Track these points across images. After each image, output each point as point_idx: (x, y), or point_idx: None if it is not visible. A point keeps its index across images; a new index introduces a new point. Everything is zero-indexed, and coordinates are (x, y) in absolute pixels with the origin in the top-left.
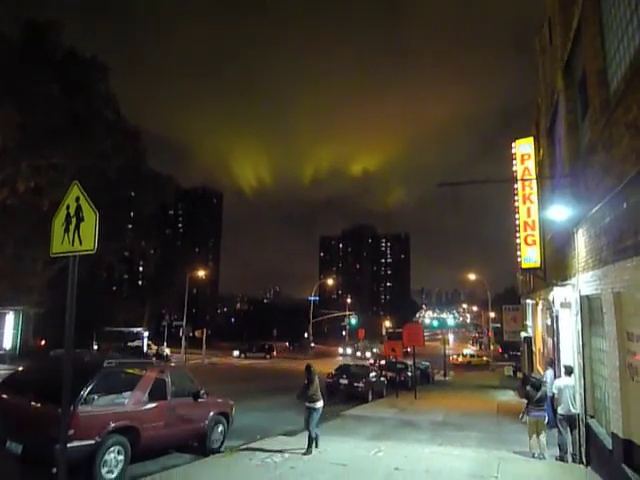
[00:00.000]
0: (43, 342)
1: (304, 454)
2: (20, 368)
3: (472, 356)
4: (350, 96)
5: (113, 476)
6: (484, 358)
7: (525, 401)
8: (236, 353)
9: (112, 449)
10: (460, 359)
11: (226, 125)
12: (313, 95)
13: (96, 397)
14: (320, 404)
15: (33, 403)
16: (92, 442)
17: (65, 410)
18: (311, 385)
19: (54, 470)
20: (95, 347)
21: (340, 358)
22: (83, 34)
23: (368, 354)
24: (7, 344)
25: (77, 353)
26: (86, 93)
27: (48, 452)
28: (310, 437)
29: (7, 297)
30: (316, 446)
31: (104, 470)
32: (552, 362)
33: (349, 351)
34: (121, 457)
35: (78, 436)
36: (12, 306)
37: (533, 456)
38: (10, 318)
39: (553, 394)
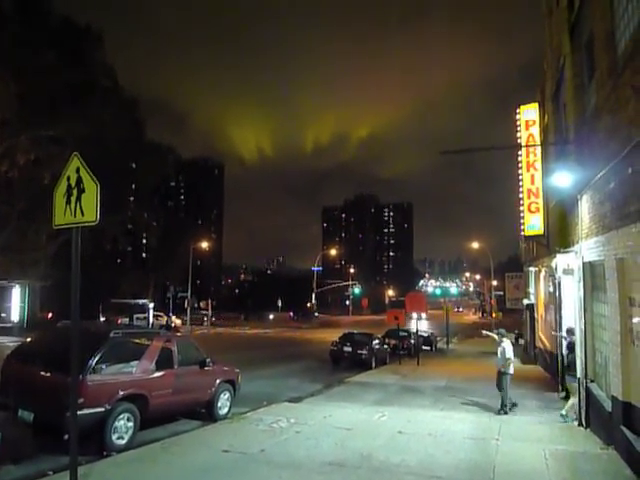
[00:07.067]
0: (50, 314)
1: None
2: (28, 339)
3: None
4: (356, 54)
5: (123, 442)
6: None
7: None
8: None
9: (122, 416)
10: None
11: (226, 94)
12: (315, 60)
13: (104, 366)
14: None
15: (43, 372)
16: (102, 409)
17: (74, 379)
18: None
19: (66, 437)
20: (102, 319)
21: None
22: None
23: None
24: (15, 317)
25: (84, 324)
26: (82, 62)
27: (59, 420)
28: None
29: (13, 271)
30: None
31: (115, 436)
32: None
33: None
34: (131, 424)
35: (88, 404)
36: (18, 280)
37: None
38: (17, 291)
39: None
